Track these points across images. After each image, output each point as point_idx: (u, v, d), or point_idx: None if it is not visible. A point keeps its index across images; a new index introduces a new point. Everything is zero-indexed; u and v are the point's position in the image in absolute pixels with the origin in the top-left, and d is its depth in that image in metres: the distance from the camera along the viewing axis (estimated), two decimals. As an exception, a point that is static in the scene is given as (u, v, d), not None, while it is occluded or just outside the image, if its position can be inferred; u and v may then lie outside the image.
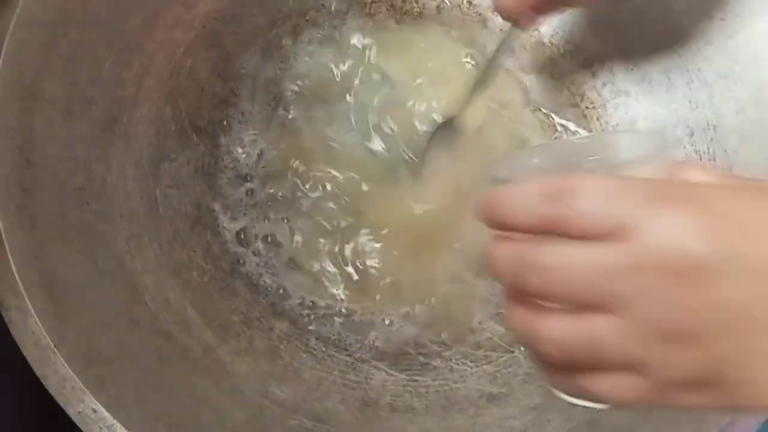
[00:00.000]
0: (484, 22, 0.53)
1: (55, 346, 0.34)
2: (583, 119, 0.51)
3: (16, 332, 0.34)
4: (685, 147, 0.48)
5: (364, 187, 0.48)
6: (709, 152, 0.47)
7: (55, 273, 0.37)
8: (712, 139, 0.47)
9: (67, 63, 0.41)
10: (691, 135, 0.48)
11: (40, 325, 0.34)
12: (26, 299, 0.34)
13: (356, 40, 0.52)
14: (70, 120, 0.42)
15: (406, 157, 0.49)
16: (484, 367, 0.45)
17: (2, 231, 0.35)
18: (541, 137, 0.51)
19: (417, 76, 0.52)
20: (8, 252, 0.35)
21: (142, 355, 0.39)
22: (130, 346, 0.39)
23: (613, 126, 0.51)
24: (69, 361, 0.34)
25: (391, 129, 0.50)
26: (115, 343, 0.38)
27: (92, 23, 0.43)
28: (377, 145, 0.49)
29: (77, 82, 0.42)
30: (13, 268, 0.35)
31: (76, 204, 0.41)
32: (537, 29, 0.53)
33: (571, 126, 0.52)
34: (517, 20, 0.43)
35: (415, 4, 0.53)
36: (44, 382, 0.34)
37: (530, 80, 0.52)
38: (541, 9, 0.41)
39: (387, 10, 0.53)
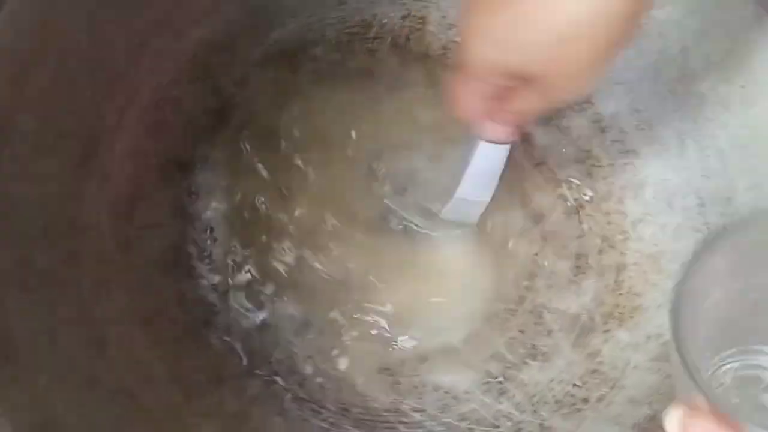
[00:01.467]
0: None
1: (1, 414, 0.31)
2: (588, 178, 0.49)
3: (-40, 399, 0.32)
4: (695, 218, 0.45)
5: (358, 249, 0.45)
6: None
7: (10, 328, 0.35)
8: (723, 213, 0.45)
9: (42, 95, 0.39)
10: (702, 206, 0.45)
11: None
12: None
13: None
14: (42, 155, 0.39)
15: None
16: (467, 441, 0.42)
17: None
18: (543, 194, 0.48)
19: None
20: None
21: (102, 418, 0.36)
22: (88, 407, 0.36)
23: (620, 188, 0.48)
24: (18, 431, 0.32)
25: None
26: (72, 405, 0.35)
27: (72, 52, 0.40)
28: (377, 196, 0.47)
29: (52, 115, 0.39)
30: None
31: (41, 246, 0.38)
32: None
33: (575, 182, 0.49)
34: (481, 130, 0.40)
35: (419, 44, 0.50)
36: (-13, 458, 0.31)
37: (535, 132, 0.49)
38: (499, 118, 0.38)
39: (389, 48, 0.50)
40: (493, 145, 0.41)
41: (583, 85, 0.34)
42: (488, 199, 0.44)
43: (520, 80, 0.33)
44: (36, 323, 0.36)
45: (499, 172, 0.43)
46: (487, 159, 0.42)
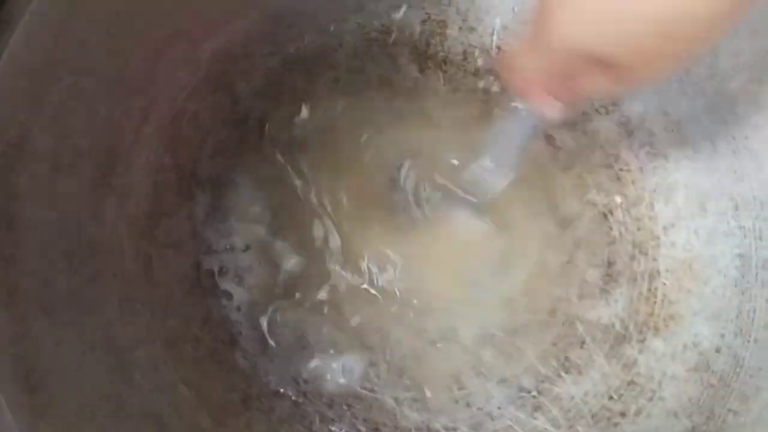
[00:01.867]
0: (499, 49, 0.49)
1: (30, 449, 0.30)
2: (617, 182, 0.47)
3: (-13, 434, 0.31)
4: (729, 222, 0.44)
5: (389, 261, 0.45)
6: (755, 230, 0.43)
7: (36, 355, 0.34)
8: (758, 216, 0.43)
9: (58, 112, 0.37)
10: (736, 209, 0.44)
11: (12, 421, 0.31)
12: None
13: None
14: (59, 175, 0.38)
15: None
16: (503, 458, 0.41)
17: (-25, 314, 0.31)
18: (572, 200, 0.47)
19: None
20: (-19, 339, 0.31)
21: (130, 446, 0.35)
22: (116, 437, 0.35)
23: (650, 192, 0.47)
24: (46, 467, 0.30)
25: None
26: (100, 435, 0.34)
27: (88, 67, 0.39)
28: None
29: (69, 133, 0.38)
30: (-13, 358, 0.31)
31: (63, 269, 0.37)
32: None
33: (604, 187, 0.48)
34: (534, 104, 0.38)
35: (440, 49, 0.49)
36: (16, 495, 0.30)
37: (561, 136, 0.48)
38: (559, 94, 0.36)
39: (409, 53, 0.49)
40: (530, 120, 0.39)
41: (661, 77, 0.33)
42: (513, 174, 0.42)
43: (597, 63, 0.31)
44: (62, 349, 0.35)
45: (526, 151, 0.41)
46: (520, 132, 0.40)
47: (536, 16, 0.32)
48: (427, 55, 0.49)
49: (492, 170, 0.42)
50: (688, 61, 0.32)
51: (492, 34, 0.49)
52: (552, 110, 0.36)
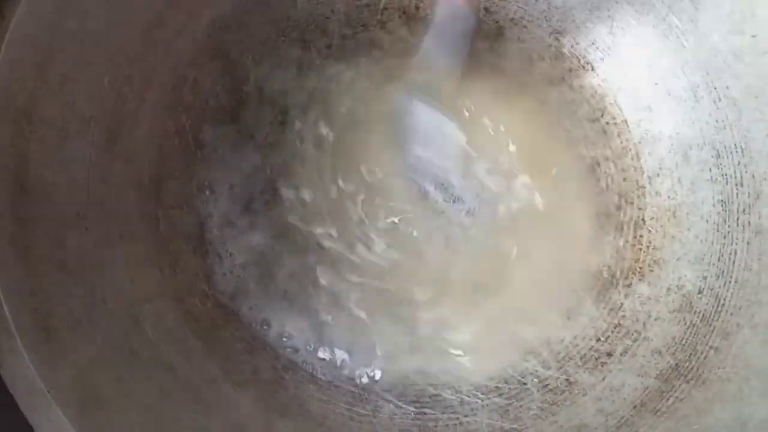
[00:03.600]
0: (501, 30, 0.51)
1: (48, 391, 0.33)
2: (603, 135, 0.49)
3: (8, 377, 0.33)
4: (711, 170, 0.46)
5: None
6: (736, 176, 0.45)
7: (51, 308, 0.36)
8: (739, 163, 0.45)
9: (63, 81, 0.39)
10: (718, 157, 0.46)
11: (32, 368, 0.33)
12: (18, 340, 0.33)
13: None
14: (67, 141, 0.40)
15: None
16: (495, 399, 0.43)
17: (-6, 269, 0.33)
18: (560, 153, 0.49)
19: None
20: (0, 291, 0.33)
21: (142, 392, 0.38)
22: (129, 383, 0.37)
23: (635, 144, 0.49)
24: (63, 407, 0.33)
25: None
26: (114, 381, 0.37)
27: (90, 37, 0.41)
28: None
29: (74, 101, 0.40)
30: (5, 308, 0.33)
31: (74, 230, 0.39)
32: (557, 38, 0.50)
33: (591, 140, 0.49)
34: None
35: (429, 12, 0.51)
36: (38, 432, 0.32)
37: (547, 92, 0.50)
38: None
39: (399, 17, 0.50)
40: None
41: None
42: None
43: None
44: (75, 303, 0.37)
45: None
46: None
47: None
48: (417, 17, 0.51)
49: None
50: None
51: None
52: None
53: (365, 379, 0.44)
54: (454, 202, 0.47)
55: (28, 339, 0.34)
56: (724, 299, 0.43)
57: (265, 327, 0.44)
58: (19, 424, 0.32)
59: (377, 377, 0.44)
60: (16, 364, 0.33)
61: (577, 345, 0.45)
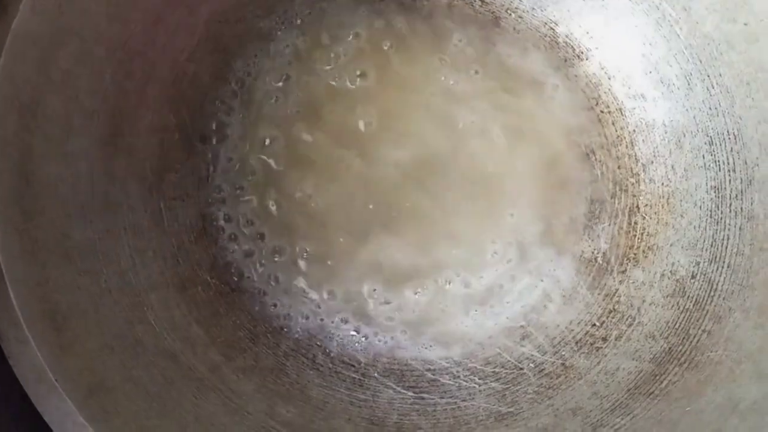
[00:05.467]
0: (497, 20, 0.51)
1: (55, 379, 0.34)
2: (598, 123, 0.50)
3: (16, 365, 0.34)
4: (704, 157, 0.46)
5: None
6: (728, 163, 0.46)
7: (58, 298, 0.37)
8: (732, 149, 0.46)
9: (66, 76, 0.40)
10: (711, 144, 0.46)
11: (40, 356, 0.34)
12: (26, 330, 0.34)
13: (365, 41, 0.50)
14: (71, 135, 0.41)
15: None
16: (492, 384, 0.44)
17: (1, 260, 0.34)
18: (556, 141, 0.49)
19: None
20: (7, 282, 0.34)
21: (147, 379, 0.38)
22: (135, 370, 0.38)
23: (629, 132, 0.49)
24: (70, 395, 0.34)
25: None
26: (119, 368, 0.38)
27: (92, 33, 0.41)
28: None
29: (77, 96, 0.41)
30: (13, 298, 0.34)
31: (79, 222, 0.40)
32: (552, 28, 0.51)
33: (586, 128, 0.50)
34: None
35: (425, 2, 0.51)
36: (46, 418, 0.33)
37: (543, 82, 0.50)
38: None
39: (396, 7, 0.51)
40: None
41: None
42: None
43: None
44: (81, 293, 0.38)
45: None
46: None
47: None
48: (413, 8, 0.51)
49: None
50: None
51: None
52: None
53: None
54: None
55: (35, 329, 0.34)
56: (717, 284, 0.44)
57: (268, 306, 0.45)
58: (27, 411, 0.33)
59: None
60: (24, 354, 0.34)
61: (573, 330, 0.45)
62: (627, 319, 0.45)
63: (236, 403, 0.41)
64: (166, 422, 0.37)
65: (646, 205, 0.47)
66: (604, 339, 0.45)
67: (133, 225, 0.43)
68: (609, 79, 0.50)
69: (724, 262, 0.44)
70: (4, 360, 0.34)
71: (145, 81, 0.45)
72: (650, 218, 0.47)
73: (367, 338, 0.45)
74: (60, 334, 0.36)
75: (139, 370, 0.38)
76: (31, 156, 0.38)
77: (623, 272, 0.46)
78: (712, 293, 0.44)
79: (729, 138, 0.46)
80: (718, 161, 0.46)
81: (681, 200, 0.46)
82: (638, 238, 0.47)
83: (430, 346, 0.45)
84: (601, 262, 0.47)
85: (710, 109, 0.47)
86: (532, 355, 0.45)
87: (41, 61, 0.39)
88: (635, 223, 0.47)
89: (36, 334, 0.34)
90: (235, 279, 0.46)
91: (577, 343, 0.45)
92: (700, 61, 0.47)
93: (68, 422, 0.33)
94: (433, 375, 0.44)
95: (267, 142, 0.48)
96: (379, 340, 0.45)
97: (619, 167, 0.49)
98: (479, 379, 0.44)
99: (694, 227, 0.46)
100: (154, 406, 0.37)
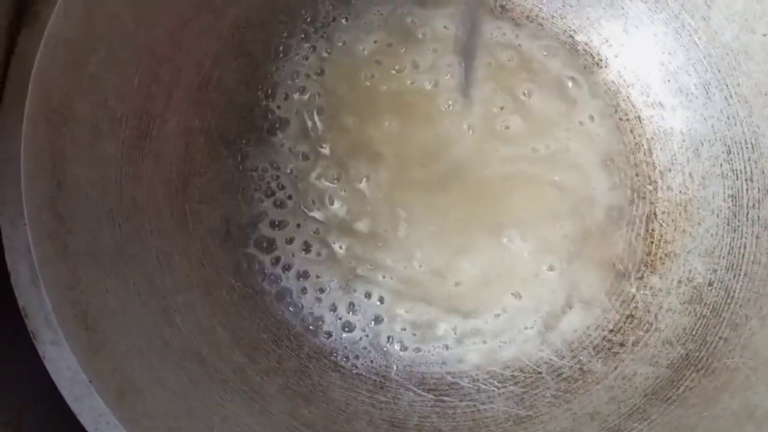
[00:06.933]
0: (516, 28, 0.52)
1: (90, 381, 0.34)
2: (616, 131, 0.50)
3: (52, 368, 0.35)
4: (721, 165, 0.47)
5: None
6: (746, 172, 0.46)
7: (89, 301, 0.37)
8: (749, 159, 0.46)
9: (95, 81, 0.41)
10: (729, 153, 0.47)
11: (75, 358, 0.35)
12: (60, 332, 0.35)
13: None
14: (100, 139, 0.41)
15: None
16: (511, 387, 0.45)
17: (36, 263, 0.35)
18: (575, 149, 0.50)
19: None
20: (42, 285, 0.35)
21: (174, 380, 0.39)
22: (162, 372, 0.39)
23: (647, 139, 0.50)
24: (103, 395, 0.34)
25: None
26: (148, 370, 0.38)
27: (120, 38, 0.42)
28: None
29: (106, 100, 0.42)
30: (47, 301, 0.35)
31: (108, 225, 0.41)
32: (572, 36, 0.51)
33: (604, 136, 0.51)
34: None
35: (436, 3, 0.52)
36: (80, 419, 0.34)
37: (562, 89, 0.51)
38: None
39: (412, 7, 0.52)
40: None
41: None
42: None
43: None
44: (110, 296, 0.39)
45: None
46: None
47: None
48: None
49: None
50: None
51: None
52: None
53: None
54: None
55: (68, 331, 0.35)
56: (734, 291, 0.44)
57: (291, 309, 0.46)
58: (62, 412, 0.34)
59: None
60: (59, 356, 0.35)
61: (590, 335, 0.46)
62: (644, 325, 0.46)
63: (260, 404, 0.41)
64: (193, 423, 0.38)
65: (664, 212, 0.48)
66: (622, 344, 0.45)
67: (159, 228, 0.44)
68: (628, 87, 0.51)
69: (740, 270, 0.45)
70: (39, 362, 0.35)
71: (171, 85, 0.46)
72: (668, 225, 0.48)
73: (387, 342, 0.46)
74: (91, 335, 0.37)
75: (167, 372, 0.39)
76: (62, 160, 0.39)
77: (640, 279, 0.47)
78: (728, 301, 0.44)
79: (747, 147, 0.46)
80: (736, 170, 0.47)
81: (698, 208, 0.47)
82: (656, 245, 0.48)
83: (449, 348, 0.46)
84: (618, 268, 0.47)
85: (728, 118, 0.47)
86: (551, 360, 0.45)
87: (71, 66, 0.40)
88: (653, 230, 0.48)
89: (69, 336, 0.35)
90: (258, 282, 0.46)
91: (594, 348, 0.46)
92: (719, 71, 0.48)
93: (102, 422, 0.34)
94: (453, 378, 0.45)
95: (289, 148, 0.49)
96: (398, 345, 0.46)
97: (636, 174, 0.49)
98: (498, 382, 0.45)
99: (711, 235, 0.46)
100: (181, 407, 0.38)
